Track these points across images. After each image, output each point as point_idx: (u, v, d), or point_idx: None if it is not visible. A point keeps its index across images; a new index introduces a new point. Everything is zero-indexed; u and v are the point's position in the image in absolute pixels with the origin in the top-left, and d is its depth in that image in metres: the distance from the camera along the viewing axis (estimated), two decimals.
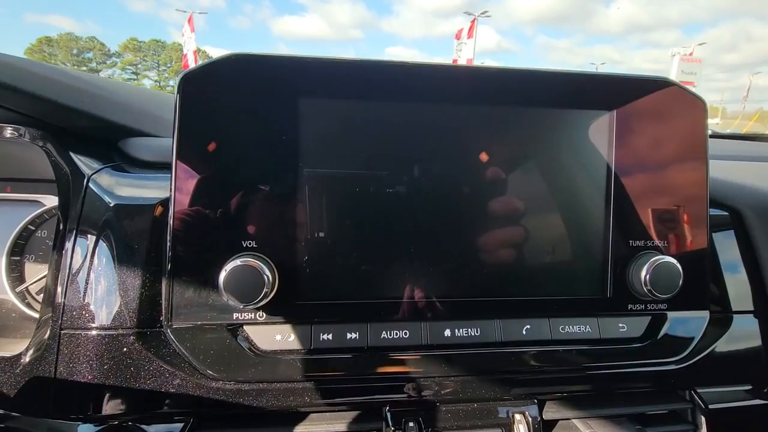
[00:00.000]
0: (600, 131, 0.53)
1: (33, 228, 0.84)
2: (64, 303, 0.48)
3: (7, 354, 0.51)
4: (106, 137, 0.67)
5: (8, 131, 0.59)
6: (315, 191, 0.49)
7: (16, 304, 0.79)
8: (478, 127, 0.51)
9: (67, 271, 0.49)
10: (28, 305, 0.80)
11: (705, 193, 0.55)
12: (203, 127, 0.47)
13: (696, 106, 0.55)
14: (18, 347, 0.55)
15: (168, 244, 0.47)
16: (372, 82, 0.49)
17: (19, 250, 0.84)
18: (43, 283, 0.83)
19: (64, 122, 0.64)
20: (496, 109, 0.51)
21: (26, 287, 0.81)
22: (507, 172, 0.52)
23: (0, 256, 0.81)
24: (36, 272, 0.83)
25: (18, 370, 0.50)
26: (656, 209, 0.54)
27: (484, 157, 0.51)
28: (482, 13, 22.93)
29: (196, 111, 0.47)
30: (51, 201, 0.85)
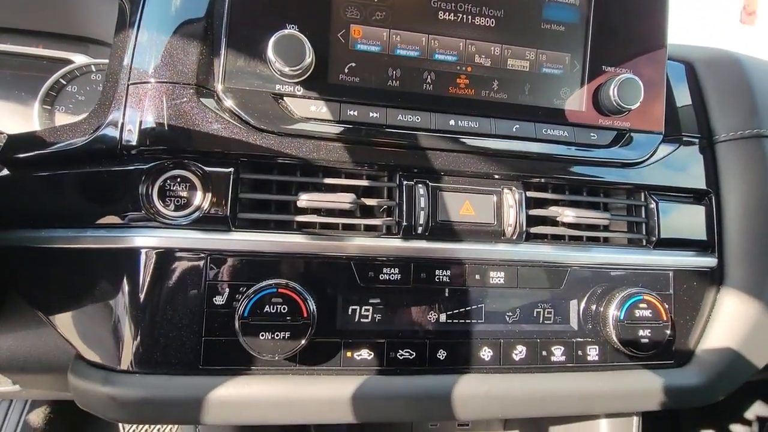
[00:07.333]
0: None
1: (64, 82, 0.91)
2: (132, 62, 0.56)
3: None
4: None
5: None
6: None
7: None
8: None
9: (133, 41, 0.57)
10: None
11: (665, 35, 0.67)
12: None
13: None
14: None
15: (225, 18, 0.56)
16: None
17: (51, 100, 0.90)
18: None
19: None
20: None
21: None
22: None
23: (33, 102, 0.87)
24: (66, 122, 0.89)
25: (84, 126, 0.57)
26: (626, 46, 0.67)
27: None
28: None
29: None
30: (80, 59, 0.92)
